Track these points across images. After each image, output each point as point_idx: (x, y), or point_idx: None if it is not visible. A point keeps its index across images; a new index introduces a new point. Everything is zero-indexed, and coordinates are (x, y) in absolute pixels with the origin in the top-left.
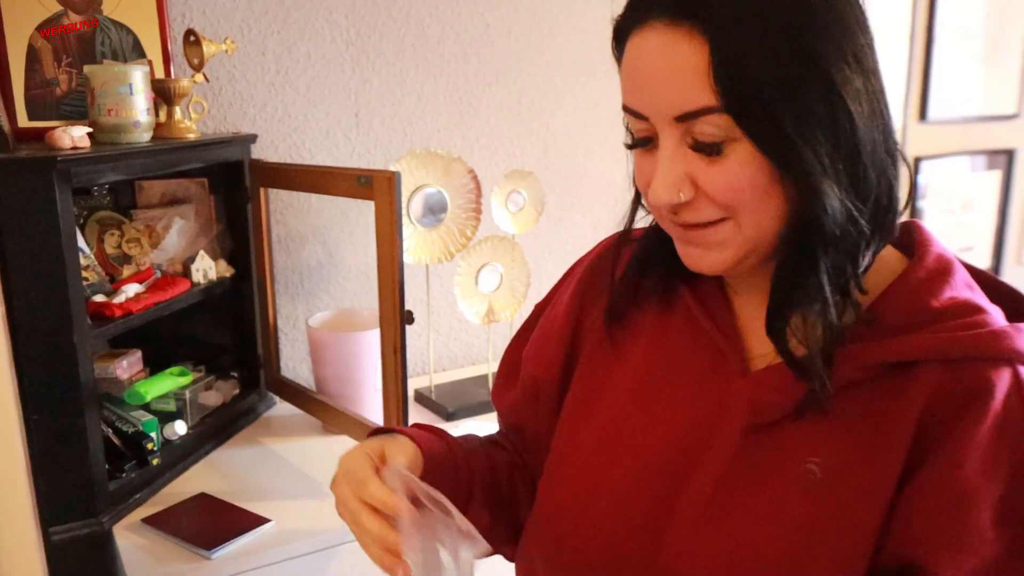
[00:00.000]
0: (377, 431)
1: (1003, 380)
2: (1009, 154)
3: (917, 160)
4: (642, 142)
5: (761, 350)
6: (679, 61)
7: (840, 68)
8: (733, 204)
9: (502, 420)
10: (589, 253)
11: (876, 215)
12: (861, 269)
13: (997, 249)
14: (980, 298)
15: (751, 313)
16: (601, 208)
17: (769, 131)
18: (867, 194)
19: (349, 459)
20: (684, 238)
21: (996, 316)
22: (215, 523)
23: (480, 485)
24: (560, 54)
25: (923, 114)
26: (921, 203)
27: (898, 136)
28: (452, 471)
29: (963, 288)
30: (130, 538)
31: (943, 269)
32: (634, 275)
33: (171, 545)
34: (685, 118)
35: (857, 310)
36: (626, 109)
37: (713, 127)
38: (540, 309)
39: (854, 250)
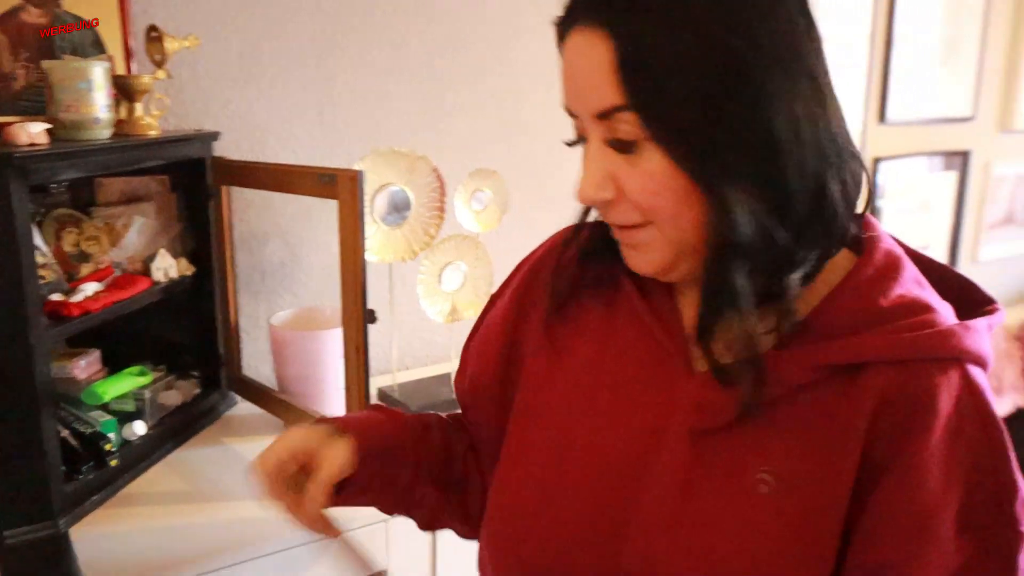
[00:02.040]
0: (323, 420)
1: (951, 381)
2: (964, 155)
3: (876, 161)
4: (579, 140)
5: None
6: (593, 60)
7: (765, 69)
8: (652, 208)
9: (460, 405)
10: (538, 248)
11: (809, 224)
12: (799, 274)
13: (952, 248)
14: (930, 295)
15: (695, 312)
16: (565, 207)
17: (675, 133)
18: (793, 204)
19: (283, 444)
20: (618, 237)
21: (945, 314)
22: None
23: (428, 465)
24: (523, 53)
25: (882, 116)
26: (880, 203)
27: (857, 137)
28: (392, 462)
29: (912, 285)
30: (88, 540)
31: (891, 266)
32: (576, 267)
33: (130, 547)
34: (603, 116)
35: (789, 316)
36: (565, 108)
37: (628, 125)
38: (493, 300)
39: (773, 262)
